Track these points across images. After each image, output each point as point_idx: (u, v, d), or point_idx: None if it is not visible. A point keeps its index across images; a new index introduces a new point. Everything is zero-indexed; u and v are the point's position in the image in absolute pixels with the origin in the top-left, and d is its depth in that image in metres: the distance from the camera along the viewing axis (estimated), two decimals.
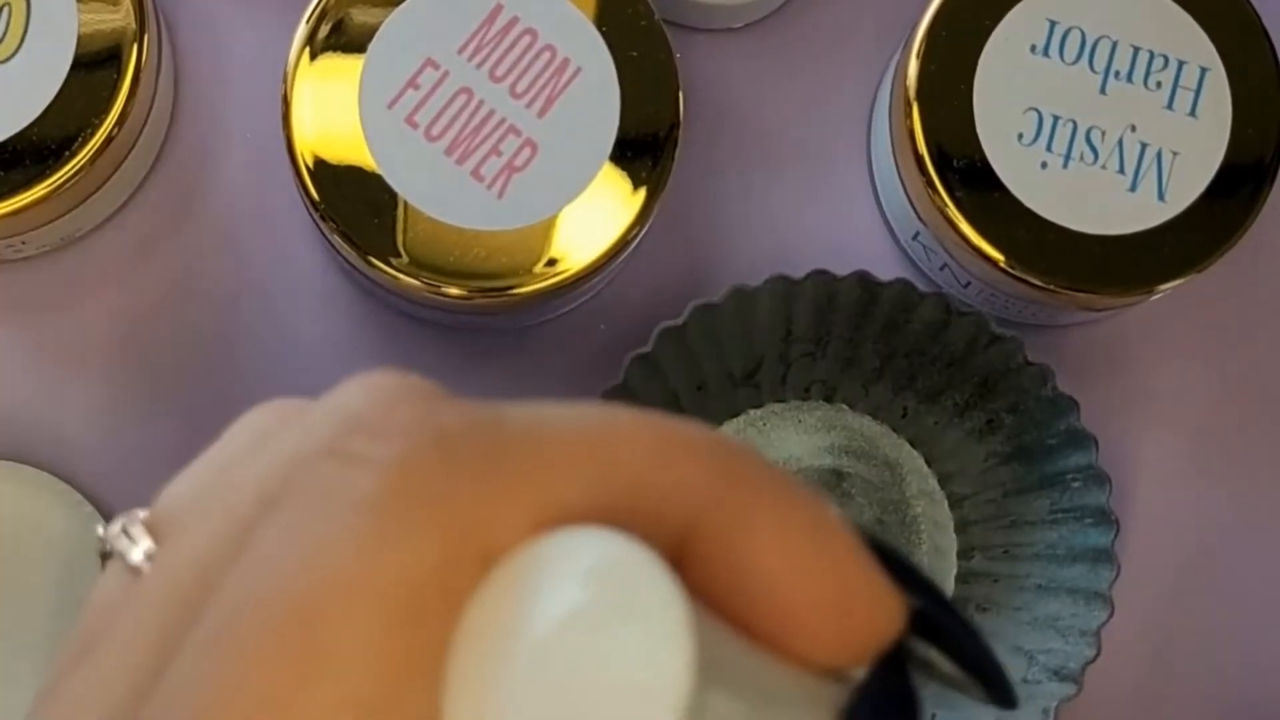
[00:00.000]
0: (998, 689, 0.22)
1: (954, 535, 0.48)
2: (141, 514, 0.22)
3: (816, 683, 0.20)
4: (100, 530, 0.23)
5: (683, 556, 0.20)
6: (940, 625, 0.22)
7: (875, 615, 0.20)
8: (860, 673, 0.21)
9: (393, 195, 0.42)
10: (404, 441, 0.19)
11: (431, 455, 0.19)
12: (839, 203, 0.49)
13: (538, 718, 0.18)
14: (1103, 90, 0.44)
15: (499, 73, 0.42)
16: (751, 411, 0.48)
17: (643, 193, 0.42)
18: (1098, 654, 0.45)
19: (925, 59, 0.44)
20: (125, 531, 0.22)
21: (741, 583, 0.20)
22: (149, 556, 0.22)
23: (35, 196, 0.43)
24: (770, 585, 0.20)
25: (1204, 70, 0.44)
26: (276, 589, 0.19)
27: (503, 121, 0.42)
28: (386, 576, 0.18)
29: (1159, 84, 0.44)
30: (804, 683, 0.20)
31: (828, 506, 0.21)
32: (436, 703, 0.19)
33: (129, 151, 0.45)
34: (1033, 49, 0.44)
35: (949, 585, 0.48)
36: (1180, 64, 0.44)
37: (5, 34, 0.43)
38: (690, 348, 0.45)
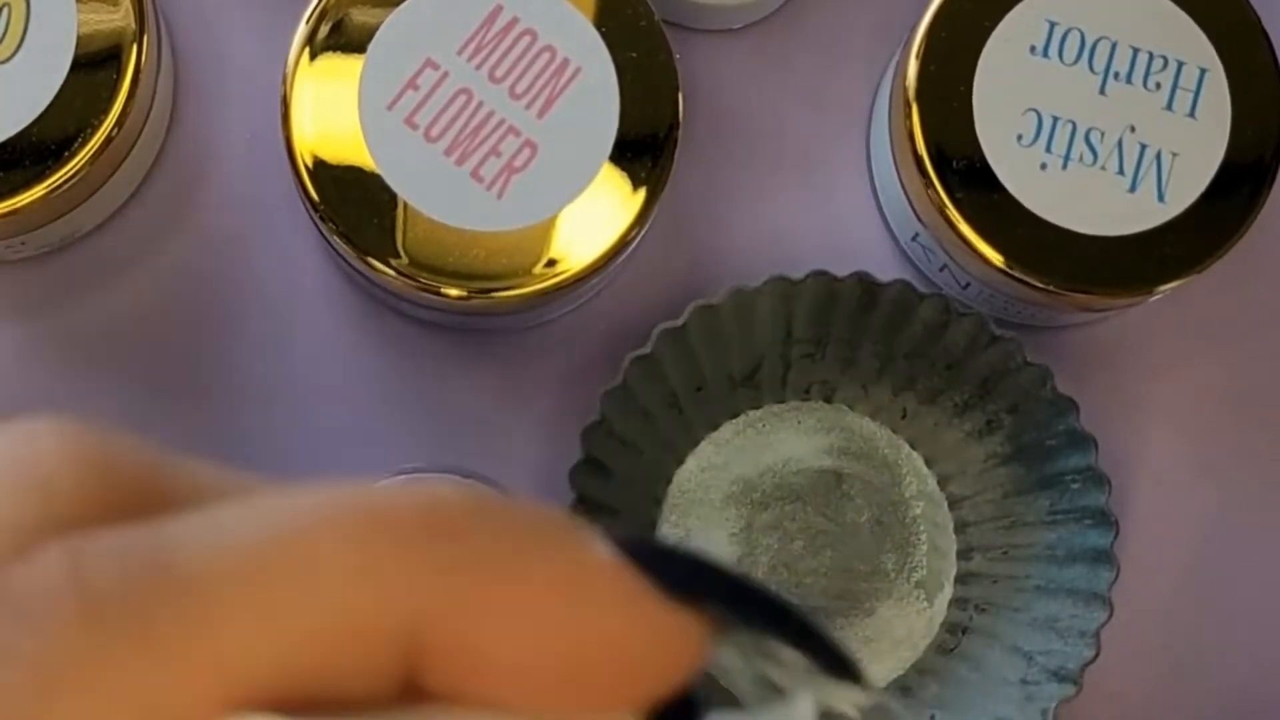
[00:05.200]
0: (828, 661, 0.20)
1: (953, 536, 0.48)
2: None
3: None
4: None
5: (417, 662, 0.17)
6: (748, 617, 0.19)
7: (658, 652, 0.18)
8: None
9: (392, 196, 0.42)
10: (49, 624, 0.17)
11: (82, 637, 0.17)
12: (839, 203, 0.49)
13: None
14: (1102, 91, 0.44)
15: (498, 73, 0.42)
16: (751, 412, 0.48)
17: (642, 193, 0.42)
18: (1097, 655, 0.45)
19: (925, 59, 0.44)
20: None
21: (496, 675, 0.17)
22: None
23: (35, 196, 0.43)
24: (530, 670, 0.17)
25: (1203, 71, 0.44)
26: None
27: (502, 122, 0.42)
28: None
29: (1158, 85, 0.44)
30: None
31: (584, 546, 0.18)
32: None
33: (129, 151, 0.45)
34: (1032, 50, 0.44)
35: (948, 586, 0.48)
36: (1180, 64, 0.44)
37: (5, 34, 0.43)
38: (690, 348, 0.45)
